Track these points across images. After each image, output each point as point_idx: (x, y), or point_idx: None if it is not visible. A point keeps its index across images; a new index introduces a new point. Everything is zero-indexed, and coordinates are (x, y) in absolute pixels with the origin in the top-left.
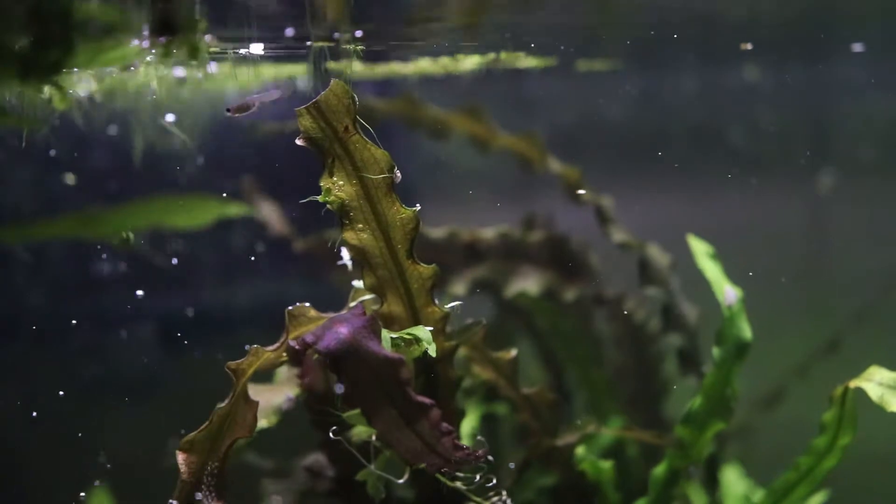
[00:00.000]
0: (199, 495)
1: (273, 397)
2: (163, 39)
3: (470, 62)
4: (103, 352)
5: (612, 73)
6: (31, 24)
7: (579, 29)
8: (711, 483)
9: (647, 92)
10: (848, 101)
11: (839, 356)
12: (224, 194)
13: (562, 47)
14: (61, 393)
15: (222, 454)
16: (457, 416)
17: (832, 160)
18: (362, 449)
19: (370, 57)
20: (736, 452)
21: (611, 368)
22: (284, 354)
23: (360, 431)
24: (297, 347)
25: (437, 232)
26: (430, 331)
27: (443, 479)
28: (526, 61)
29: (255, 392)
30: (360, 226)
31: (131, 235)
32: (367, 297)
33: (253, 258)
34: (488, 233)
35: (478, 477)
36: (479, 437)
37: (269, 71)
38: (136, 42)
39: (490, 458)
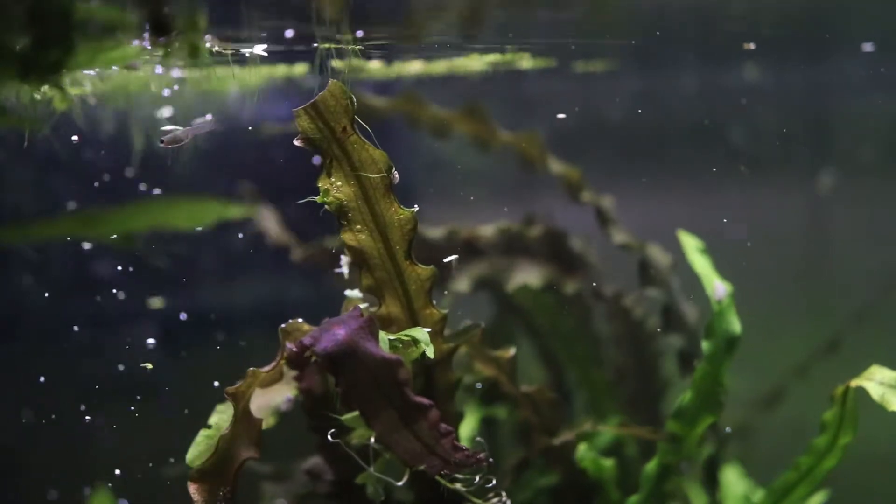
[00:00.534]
0: None
1: (271, 399)
2: (163, 39)
3: (470, 62)
4: (103, 352)
5: (612, 73)
6: (31, 24)
7: (579, 29)
8: (711, 483)
9: (647, 92)
10: (849, 100)
11: (839, 356)
12: (225, 195)
13: (562, 47)
14: (61, 393)
15: (232, 478)
16: (455, 419)
17: (832, 160)
18: (361, 452)
19: (369, 57)
20: (736, 452)
21: (611, 368)
22: (283, 365)
23: (359, 434)
24: (294, 350)
25: (436, 231)
26: (429, 332)
27: (442, 481)
28: (526, 61)
29: (254, 394)
30: (359, 227)
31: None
32: (363, 305)
33: (253, 259)
34: (487, 229)
35: (477, 478)
36: (478, 439)
37: (268, 71)
38: (136, 42)
39: (490, 459)
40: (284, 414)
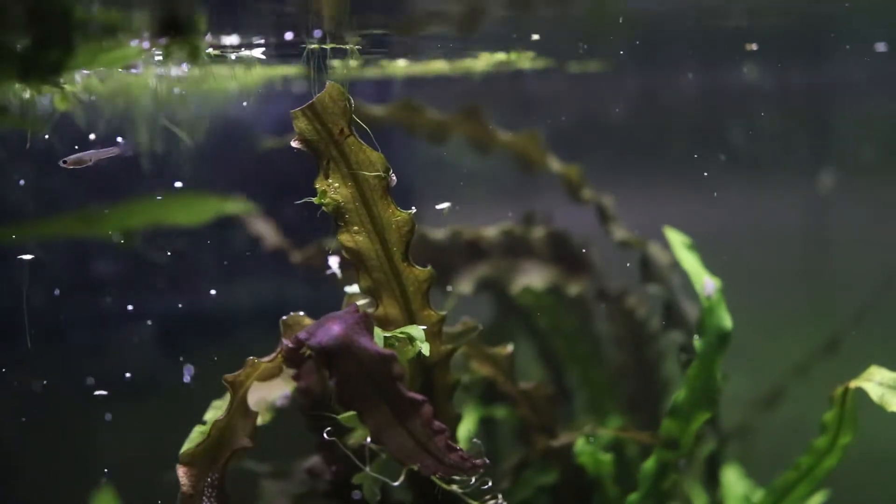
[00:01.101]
0: None
1: (268, 394)
2: (163, 40)
3: (469, 63)
4: (103, 352)
5: (612, 73)
6: (31, 24)
7: (580, 29)
8: (712, 483)
9: (647, 92)
10: (849, 100)
11: (839, 356)
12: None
13: (563, 46)
14: (60, 394)
15: (222, 465)
16: (454, 421)
17: (832, 160)
18: (358, 452)
19: (368, 57)
20: (736, 452)
21: (611, 368)
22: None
23: (357, 435)
24: (291, 345)
25: (438, 232)
26: (425, 331)
27: (439, 482)
28: (526, 61)
29: (251, 389)
30: (356, 228)
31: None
32: (363, 301)
33: (253, 258)
34: (490, 231)
35: (474, 479)
36: (475, 440)
37: (267, 72)
38: (136, 42)
39: (487, 460)
40: (284, 413)
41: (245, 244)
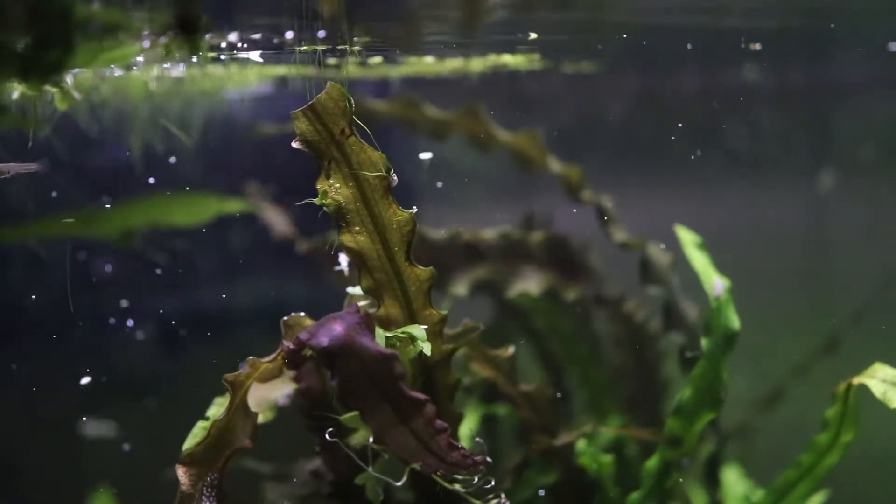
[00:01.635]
0: None
1: (269, 393)
2: (163, 40)
3: (469, 63)
4: (103, 352)
5: (612, 74)
6: (32, 23)
7: (580, 30)
8: (712, 483)
9: (648, 92)
10: (849, 100)
11: (839, 356)
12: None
13: (562, 47)
14: (61, 394)
15: (221, 465)
16: (455, 420)
17: (832, 160)
18: (360, 453)
19: (367, 57)
20: (736, 452)
21: (611, 368)
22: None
23: (358, 436)
24: (292, 346)
25: (437, 233)
26: (426, 330)
27: (441, 481)
28: (525, 61)
29: (251, 389)
30: (357, 228)
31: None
32: (364, 302)
33: (253, 258)
34: (489, 233)
35: (476, 479)
36: (477, 439)
37: (267, 71)
38: (136, 42)
39: (489, 459)
40: (285, 415)
41: (245, 244)
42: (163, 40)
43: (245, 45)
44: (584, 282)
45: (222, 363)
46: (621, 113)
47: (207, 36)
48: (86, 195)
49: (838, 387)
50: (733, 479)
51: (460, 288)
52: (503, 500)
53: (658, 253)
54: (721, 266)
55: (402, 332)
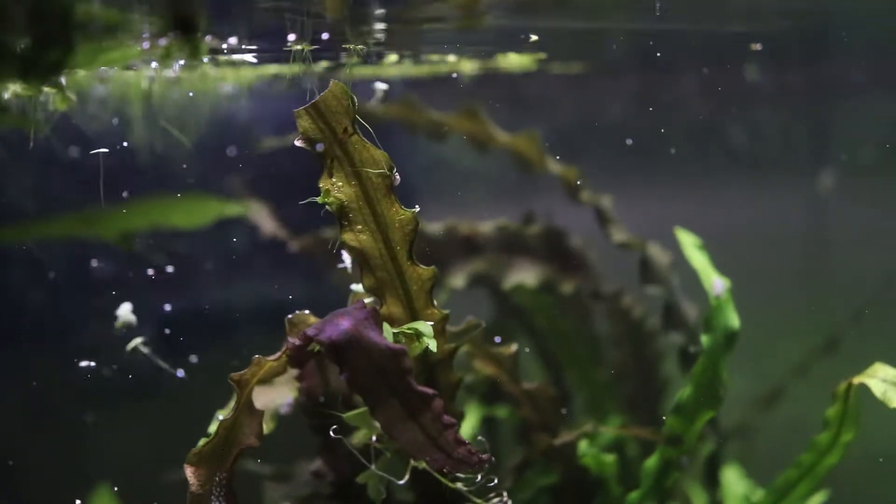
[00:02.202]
0: None
1: (273, 398)
2: (163, 41)
3: (469, 63)
4: (103, 352)
5: (612, 74)
6: (32, 24)
7: (580, 30)
8: (712, 483)
9: (647, 92)
10: (849, 100)
11: (839, 356)
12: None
13: (562, 47)
14: (61, 394)
15: (230, 464)
16: (457, 419)
17: (832, 160)
18: (362, 452)
19: (367, 57)
20: (736, 452)
21: (610, 368)
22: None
23: (360, 434)
24: (298, 342)
25: (434, 226)
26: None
27: (443, 479)
28: (525, 61)
29: (254, 393)
30: (360, 227)
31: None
32: (368, 299)
33: (254, 257)
34: (486, 226)
35: (479, 477)
36: (479, 438)
37: (267, 71)
38: (136, 42)
39: (492, 458)
40: (288, 417)
41: (245, 244)
42: (162, 41)
43: (245, 47)
44: (581, 275)
45: (222, 363)
46: (621, 113)
47: (207, 37)
48: (84, 196)
49: (838, 386)
50: (733, 479)
51: (458, 280)
52: (505, 499)
53: (658, 253)
54: (721, 266)
55: (409, 328)
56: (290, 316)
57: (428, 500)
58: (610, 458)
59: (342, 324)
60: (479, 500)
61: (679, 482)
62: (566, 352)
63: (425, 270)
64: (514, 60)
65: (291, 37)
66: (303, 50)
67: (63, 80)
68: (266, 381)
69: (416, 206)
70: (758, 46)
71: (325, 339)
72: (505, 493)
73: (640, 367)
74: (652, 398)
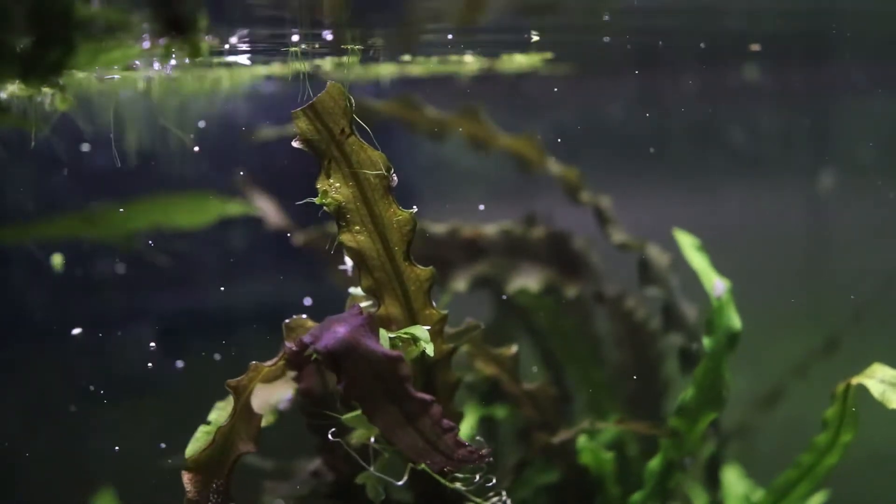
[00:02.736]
0: None
1: (271, 395)
2: (163, 41)
3: (469, 63)
4: (103, 352)
5: (612, 74)
6: (32, 23)
7: (580, 30)
8: (712, 483)
9: (647, 92)
10: (849, 100)
11: (839, 356)
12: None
13: (561, 46)
14: (61, 394)
15: (227, 470)
16: (456, 419)
17: (832, 160)
18: (360, 452)
19: (368, 57)
20: (736, 452)
21: (611, 368)
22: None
23: (359, 435)
24: (295, 349)
25: (438, 227)
26: (428, 331)
27: (442, 480)
28: (525, 61)
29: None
30: (357, 228)
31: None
32: (366, 303)
33: (254, 257)
34: (490, 228)
35: (477, 477)
36: (478, 438)
37: (265, 71)
38: (136, 42)
39: (491, 457)
40: (287, 414)
41: (244, 243)
42: (162, 41)
43: (245, 47)
44: (584, 278)
45: (223, 362)
46: (620, 113)
47: (207, 37)
48: (83, 196)
49: (837, 387)
50: (733, 479)
51: (460, 283)
52: (504, 499)
53: (657, 253)
54: (721, 266)
55: (405, 333)
56: (287, 321)
57: (427, 500)
58: (608, 455)
59: (338, 331)
60: (477, 500)
61: (681, 483)
62: (567, 352)
63: (423, 271)
64: (519, 60)
65: (295, 38)
66: (297, 53)
67: (62, 80)
68: (264, 383)
69: (414, 207)
70: (756, 47)
71: (322, 347)
72: (504, 493)
73: (640, 368)
74: (652, 399)
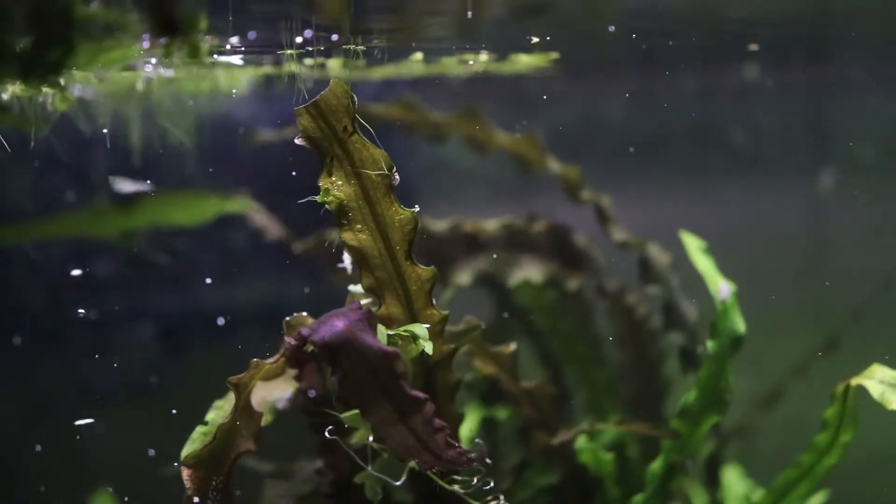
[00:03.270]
0: None
1: (271, 393)
2: (163, 40)
3: (468, 63)
4: (103, 352)
5: (612, 74)
6: (32, 23)
7: (580, 31)
8: (712, 483)
9: (646, 93)
10: (849, 100)
11: (839, 356)
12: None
13: (561, 47)
14: (60, 394)
15: (227, 467)
16: (456, 420)
17: (832, 160)
18: (360, 452)
19: (368, 57)
20: (736, 452)
21: (611, 367)
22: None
23: (358, 434)
24: (294, 342)
25: (439, 223)
26: (427, 330)
27: (440, 481)
28: (525, 61)
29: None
30: (359, 226)
31: None
32: (366, 300)
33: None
34: (491, 223)
35: (475, 479)
36: (477, 441)
37: (266, 71)
38: (137, 42)
39: (488, 460)
40: (287, 413)
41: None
42: (162, 41)
43: (244, 48)
44: (585, 271)
45: (223, 363)
46: (620, 113)
47: (207, 38)
48: (83, 196)
49: (837, 388)
50: (733, 479)
51: (463, 278)
52: (502, 502)
53: (658, 252)
54: (720, 266)
55: (405, 331)
56: (287, 318)
57: (426, 501)
58: (608, 456)
59: (337, 324)
60: (475, 502)
61: (682, 485)
62: (567, 351)
63: (425, 270)
64: (524, 61)
65: (298, 39)
66: (294, 54)
67: (62, 80)
68: (264, 381)
69: (416, 206)
70: (755, 47)
71: (319, 339)
72: (502, 497)
73: (641, 367)
74: (653, 399)
